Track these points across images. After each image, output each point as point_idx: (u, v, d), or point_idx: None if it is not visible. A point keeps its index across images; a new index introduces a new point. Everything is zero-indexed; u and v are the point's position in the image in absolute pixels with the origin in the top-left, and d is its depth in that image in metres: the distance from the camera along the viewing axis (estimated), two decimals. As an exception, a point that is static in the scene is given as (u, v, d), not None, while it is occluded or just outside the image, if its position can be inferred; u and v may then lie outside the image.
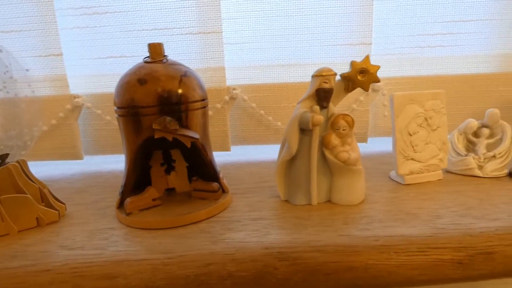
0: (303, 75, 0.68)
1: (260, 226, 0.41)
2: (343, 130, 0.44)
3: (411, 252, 0.36)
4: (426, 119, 0.52)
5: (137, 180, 0.47)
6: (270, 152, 0.67)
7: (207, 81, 0.66)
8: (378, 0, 0.66)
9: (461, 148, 0.56)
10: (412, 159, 0.52)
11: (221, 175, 0.49)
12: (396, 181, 0.53)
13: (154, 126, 0.40)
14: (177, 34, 0.64)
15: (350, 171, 0.45)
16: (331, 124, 0.44)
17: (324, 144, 0.45)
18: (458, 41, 0.69)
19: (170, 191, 0.50)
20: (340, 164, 0.44)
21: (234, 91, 0.65)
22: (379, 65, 0.44)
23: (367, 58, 0.44)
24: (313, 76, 0.44)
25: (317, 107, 0.43)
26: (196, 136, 0.43)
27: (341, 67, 0.68)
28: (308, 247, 0.37)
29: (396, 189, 0.50)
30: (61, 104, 0.65)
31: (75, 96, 0.64)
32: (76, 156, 0.68)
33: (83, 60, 0.66)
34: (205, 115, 0.45)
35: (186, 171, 0.50)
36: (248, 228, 0.41)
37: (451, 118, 0.72)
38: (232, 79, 0.67)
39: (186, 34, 0.64)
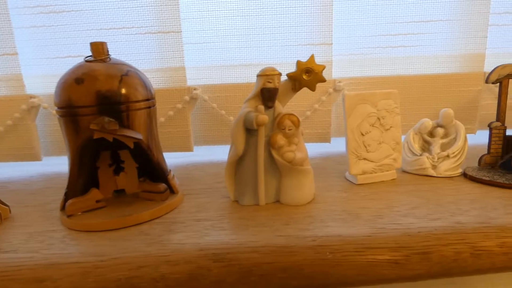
0: (265, 75, 0.68)
1: (202, 227, 0.41)
2: (289, 130, 0.44)
3: (348, 253, 0.36)
4: (378, 118, 0.52)
5: (86, 181, 0.46)
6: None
7: (168, 81, 0.65)
8: (338, 0, 0.66)
9: (416, 147, 0.56)
10: (364, 158, 0.52)
11: (171, 176, 0.48)
12: (350, 181, 0.53)
13: (92, 127, 0.39)
14: (136, 34, 0.63)
15: (298, 171, 0.45)
16: (277, 124, 0.44)
17: (270, 144, 0.44)
18: (419, 42, 0.69)
19: (120, 192, 0.49)
20: (286, 164, 0.44)
21: (194, 91, 0.65)
22: (324, 65, 0.44)
23: (312, 57, 0.44)
24: (257, 76, 0.43)
25: (261, 107, 0.43)
26: (138, 136, 0.42)
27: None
28: (244, 248, 0.36)
29: (347, 189, 0.50)
30: (16, 104, 0.63)
31: (31, 96, 0.63)
32: (34, 157, 0.66)
33: (41, 59, 0.64)
34: (150, 115, 0.45)
35: (136, 172, 0.49)
36: (189, 229, 0.40)
37: (413, 118, 0.72)
38: (193, 79, 0.67)
39: (145, 33, 0.63)
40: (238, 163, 0.46)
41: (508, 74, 0.53)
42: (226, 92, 0.67)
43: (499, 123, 0.54)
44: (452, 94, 0.70)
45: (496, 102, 0.73)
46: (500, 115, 0.54)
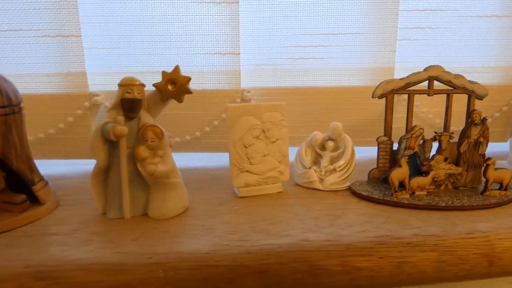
0: (172, 83, 0.67)
1: (46, 242, 0.39)
2: (152, 141, 0.43)
3: (181, 270, 0.35)
4: (263, 131, 0.52)
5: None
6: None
7: (68, 86, 0.63)
8: (247, 11, 0.66)
9: (307, 160, 0.56)
10: (247, 171, 0.51)
11: (39, 186, 0.47)
12: (236, 194, 0.53)
13: None
14: (34, 37, 0.61)
15: (164, 184, 0.44)
16: (141, 135, 0.43)
17: (134, 156, 0.43)
18: (330, 54, 0.69)
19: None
20: (150, 177, 0.43)
21: (95, 98, 0.63)
22: (190, 76, 0.44)
23: (176, 68, 0.43)
24: (118, 85, 0.42)
25: (121, 118, 0.42)
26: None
27: (211, 76, 0.68)
28: (72, 265, 0.35)
29: (226, 202, 0.49)
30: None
31: None
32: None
33: None
34: (8, 123, 0.43)
35: (3, 181, 0.47)
36: (31, 244, 0.38)
37: (325, 130, 0.72)
38: (97, 84, 0.65)
39: (43, 36, 0.61)
40: (106, 175, 0.45)
41: (392, 90, 0.53)
42: (131, 99, 0.66)
43: (386, 138, 0.54)
44: (363, 106, 0.71)
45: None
46: (387, 129, 0.54)
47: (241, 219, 0.44)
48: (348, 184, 0.54)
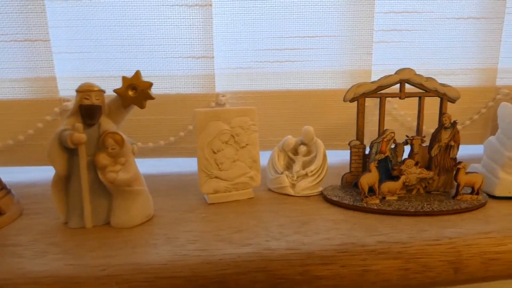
0: (146, 87, 0.65)
1: (3, 253, 0.37)
2: (112, 149, 0.41)
3: (136, 283, 0.34)
4: (233, 136, 0.51)
5: None
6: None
7: (37, 92, 0.62)
8: (220, 14, 0.65)
9: (279, 165, 0.55)
10: (216, 177, 0.50)
11: (0, 195, 0.45)
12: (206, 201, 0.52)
13: None
14: (0, 41, 0.60)
15: (126, 192, 0.43)
16: (101, 143, 0.42)
17: (95, 164, 0.42)
18: (306, 57, 0.69)
19: None
20: (110, 185, 0.42)
21: (65, 103, 0.62)
22: (151, 81, 0.43)
23: (136, 73, 0.42)
24: (75, 91, 0.41)
25: (79, 125, 0.40)
26: None
27: (185, 80, 0.67)
28: (23, 278, 0.33)
29: (195, 209, 0.48)
30: None
31: None
32: None
33: None
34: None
35: (-36, 190, 0.46)
36: (-16, 256, 0.37)
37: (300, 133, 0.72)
38: (67, 89, 0.63)
39: (10, 41, 0.60)
40: (67, 183, 0.44)
41: (363, 93, 0.52)
42: (103, 104, 0.65)
43: (358, 142, 0.53)
44: (340, 110, 0.70)
45: (389, 118, 0.75)
46: (359, 134, 0.53)
47: (206, 227, 0.43)
48: (320, 189, 0.54)
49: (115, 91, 0.42)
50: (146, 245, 0.39)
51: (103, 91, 0.42)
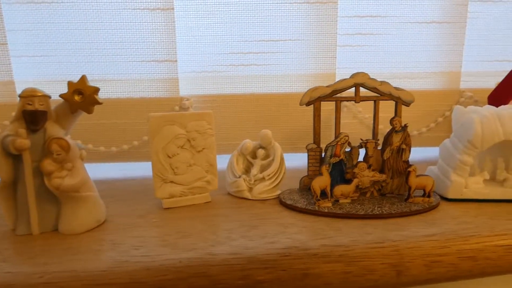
0: (108, 91, 0.65)
1: None
2: (58, 154, 0.41)
3: (73, 290, 0.34)
4: (188, 140, 0.51)
5: None
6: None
7: (-4, 96, 0.62)
8: (183, 17, 0.65)
9: (237, 169, 0.55)
10: (172, 182, 0.50)
11: None
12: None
13: None
14: (-43, 45, 0.59)
15: (74, 198, 0.42)
16: (46, 148, 0.41)
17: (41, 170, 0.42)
18: (271, 60, 0.69)
19: None
20: (56, 191, 0.41)
21: (25, 107, 0.61)
22: (98, 86, 0.42)
23: (82, 78, 0.42)
24: (19, 97, 0.41)
25: (22, 131, 0.40)
26: None
27: (149, 84, 0.67)
28: (-45, 288, 0.33)
29: (147, 214, 0.48)
30: None
31: None
32: None
33: None
34: None
35: None
36: None
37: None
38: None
39: (-33, 45, 0.60)
40: (15, 190, 0.43)
41: (319, 97, 0.53)
42: (65, 108, 0.64)
43: (315, 145, 0.54)
44: (304, 112, 0.70)
45: (356, 121, 0.76)
46: (315, 137, 0.54)
47: (154, 232, 0.43)
48: (278, 192, 0.54)
49: (61, 96, 0.42)
50: (88, 252, 0.38)
51: (48, 96, 0.41)
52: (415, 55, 0.74)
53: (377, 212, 0.45)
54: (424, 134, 0.77)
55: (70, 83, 0.42)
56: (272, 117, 0.71)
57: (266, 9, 0.67)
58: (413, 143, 0.51)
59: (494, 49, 0.77)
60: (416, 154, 0.73)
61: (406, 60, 0.74)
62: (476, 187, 0.50)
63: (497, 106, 0.53)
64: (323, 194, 0.49)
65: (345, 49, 0.72)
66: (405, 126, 0.49)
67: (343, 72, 0.71)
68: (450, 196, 0.50)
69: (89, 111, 0.43)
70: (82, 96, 0.42)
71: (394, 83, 0.74)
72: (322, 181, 0.48)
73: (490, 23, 0.76)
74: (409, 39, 0.73)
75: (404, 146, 0.49)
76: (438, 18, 0.73)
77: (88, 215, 0.43)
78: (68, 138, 0.42)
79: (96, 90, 0.42)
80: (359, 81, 0.52)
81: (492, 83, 0.75)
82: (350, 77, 0.52)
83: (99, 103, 0.43)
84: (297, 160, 0.62)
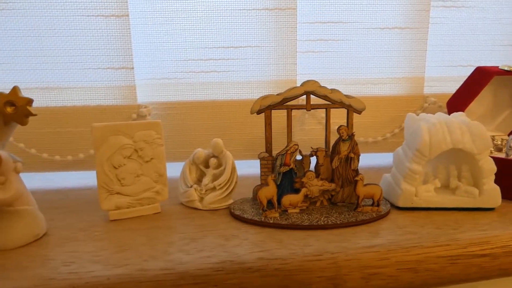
0: (64, 99, 0.64)
1: None
2: (-11, 168, 0.40)
3: (-9, 311, 0.33)
4: (136, 150, 0.50)
5: None
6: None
7: None
8: (139, 24, 0.64)
9: (190, 178, 0.54)
10: (118, 193, 0.49)
11: None
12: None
13: None
14: None
15: (8, 212, 0.41)
16: (-22, 161, 0.40)
17: (-28, 183, 0.40)
18: (231, 67, 0.68)
19: None
20: (-11, 205, 0.40)
21: (-25, 116, 0.60)
22: (31, 97, 0.41)
23: (14, 89, 0.41)
24: None
25: (-49, 144, 0.39)
26: None
27: (105, 92, 0.65)
28: None
29: (90, 227, 0.47)
30: None
31: None
32: None
33: None
34: None
35: None
36: None
37: (229, 145, 0.71)
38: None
39: None
40: None
41: (269, 105, 0.52)
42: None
43: (267, 154, 0.53)
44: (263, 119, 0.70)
45: (320, 127, 0.75)
46: (267, 145, 0.53)
47: (91, 247, 0.41)
48: (231, 201, 0.53)
49: (-10, 107, 0.41)
50: (16, 269, 0.37)
51: (-20, 108, 0.40)
52: (378, 60, 0.74)
53: (322, 223, 0.45)
54: (389, 139, 0.77)
55: (1, 94, 0.41)
56: (231, 124, 0.70)
57: (225, 16, 0.66)
58: (378, 148, 0.51)
59: (457, 54, 0.78)
60: (384, 159, 0.72)
61: (369, 66, 0.74)
62: (427, 195, 0.50)
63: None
64: (271, 204, 0.48)
65: (307, 55, 0.71)
66: (352, 134, 0.49)
67: (304, 79, 0.70)
68: (400, 204, 0.50)
69: (23, 123, 0.41)
70: (14, 108, 0.41)
71: (357, 89, 0.75)
72: (268, 191, 0.47)
73: (453, 28, 0.76)
74: (372, 44, 0.73)
75: (352, 155, 0.49)
76: (401, 24, 0.73)
77: (23, 230, 0.42)
78: (0, 151, 0.41)
79: (29, 101, 0.41)
80: (309, 89, 0.52)
81: (456, 88, 0.75)
82: (300, 85, 0.52)
83: (32, 115, 0.41)
84: (254, 168, 0.61)
